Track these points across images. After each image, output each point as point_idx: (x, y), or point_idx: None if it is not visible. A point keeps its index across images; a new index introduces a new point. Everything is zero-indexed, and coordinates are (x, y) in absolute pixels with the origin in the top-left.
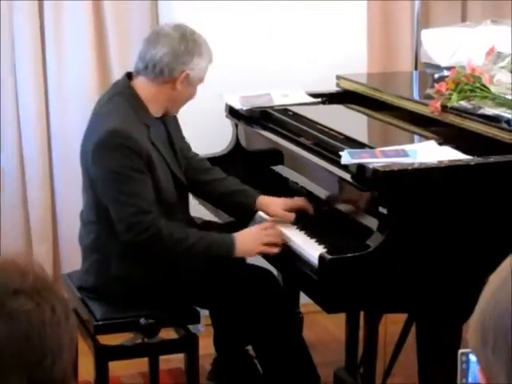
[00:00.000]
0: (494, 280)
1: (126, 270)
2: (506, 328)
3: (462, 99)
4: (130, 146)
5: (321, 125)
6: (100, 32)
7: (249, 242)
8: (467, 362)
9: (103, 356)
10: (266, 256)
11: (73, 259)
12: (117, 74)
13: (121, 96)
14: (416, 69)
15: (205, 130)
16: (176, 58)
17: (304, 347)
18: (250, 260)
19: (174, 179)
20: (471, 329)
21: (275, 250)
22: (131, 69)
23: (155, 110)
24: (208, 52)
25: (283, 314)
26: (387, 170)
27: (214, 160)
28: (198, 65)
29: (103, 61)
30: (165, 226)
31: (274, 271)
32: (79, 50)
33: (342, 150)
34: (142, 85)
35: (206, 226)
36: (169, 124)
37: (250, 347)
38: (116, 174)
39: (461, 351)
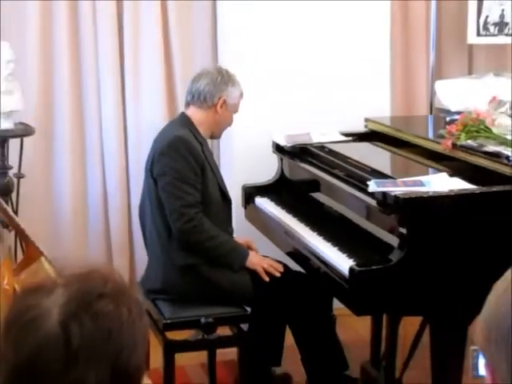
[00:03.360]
0: (498, 288)
1: (187, 261)
2: (507, 329)
3: (469, 138)
4: (191, 152)
5: (351, 159)
6: (169, 78)
7: (257, 258)
8: (477, 357)
9: (170, 349)
10: (306, 268)
11: None
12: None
13: (179, 122)
14: (431, 113)
15: (255, 164)
16: (215, 87)
17: (336, 338)
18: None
19: (221, 191)
20: (478, 329)
21: (277, 273)
22: None
23: (204, 133)
24: (239, 85)
25: (320, 309)
26: (406, 197)
27: (263, 188)
28: (232, 93)
29: (172, 109)
30: (206, 222)
31: None
32: (153, 95)
33: (369, 180)
34: (191, 112)
35: None
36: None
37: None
38: (176, 172)
39: (472, 348)
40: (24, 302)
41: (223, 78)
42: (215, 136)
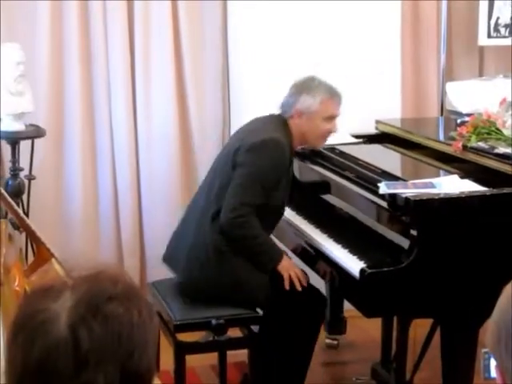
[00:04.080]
0: (508, 290)
1: (219, 245)
2: None
3: (479, 140)
4: (280, 159)
5: (362, 161)
6: (180, 78)
7: (289, 263)
8: (488, 359)
9: (181, 350)
10: (316, 270)
11: (156, 271)
12: (193, 118)
13: (278, 123)
14: (441, 115)
15: None
16: (290, 99)
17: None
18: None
19: (282, 205)
20: (489, 331)
21: (299, 286)
22: (205, 112)
23: (295, 143)
24: (318, 91)
25: (316, 323)
26: (417, 199)
27: None
28: (306, 101)
29: (182, 109)
30: (255, 221)
31: (322, 284)
32: (163, 100)
33: (380, 182)
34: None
35: None
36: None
37: None
38: (257, 169)
39: (483, 350)
40: (32, 305)
41: (298, 88)
42: (311, 145)
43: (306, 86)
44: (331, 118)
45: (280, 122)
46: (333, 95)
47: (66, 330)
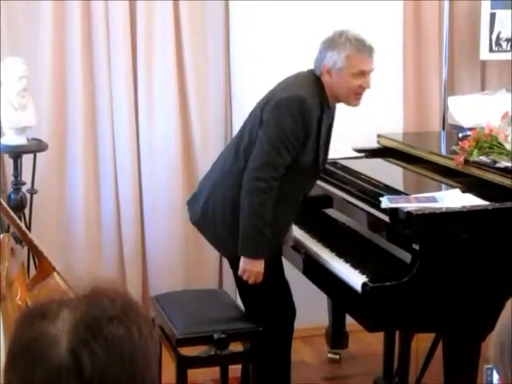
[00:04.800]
0: (511, 304)
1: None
2: None
3: (481, 154)
4: (304, 116)
5: (364, 175)
6: (183, 102)
7: (252, 270)
8: (491, 375)
9: (183, 365)
10: (318, 283)
11: (159, 283)
12: (196, 128)
13: (309, 79)
14: (443, 129)
15: None
16: (320, 56)
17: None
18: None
19: (315, 161)
20: (492, 344)
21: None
22: (207, 118)
23: (330, 100)
24: (344, 46)
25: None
26: (419, 213)
27: None
28: (332, 57)
29: (185, 119)
30: (272, 197)
31: (324, 298)
32: (165, 112)
33: (382, 196)
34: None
35: None
36: (334, 115)
37: None
38: (281, 129)
39: (486, 366)
40: (29, 329)
41: (325, 44)
42: (344, 103)
43: (332, 42)
44: (361, 73)
45: (313, 78)
46: (360, 50)
47: (66, 354)
